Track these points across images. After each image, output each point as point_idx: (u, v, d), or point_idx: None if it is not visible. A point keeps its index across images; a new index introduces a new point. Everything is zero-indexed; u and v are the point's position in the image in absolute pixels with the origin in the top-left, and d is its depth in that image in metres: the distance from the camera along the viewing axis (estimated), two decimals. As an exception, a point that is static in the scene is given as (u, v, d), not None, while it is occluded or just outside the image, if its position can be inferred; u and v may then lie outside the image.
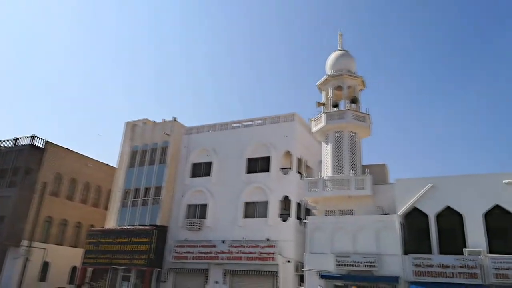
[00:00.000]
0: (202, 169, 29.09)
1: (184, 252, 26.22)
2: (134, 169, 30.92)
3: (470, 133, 63.69)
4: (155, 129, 31.44)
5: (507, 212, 18.13)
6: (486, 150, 61.55)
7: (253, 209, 26.15)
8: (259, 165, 27.06)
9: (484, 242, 17.86)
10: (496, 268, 16.62)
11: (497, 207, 18.27)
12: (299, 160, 26.89)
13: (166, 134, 30.27)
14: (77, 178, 34.29)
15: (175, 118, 31.00)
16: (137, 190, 30.21)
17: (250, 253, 24.12)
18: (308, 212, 26.17)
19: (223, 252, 24.90)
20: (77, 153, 34.75)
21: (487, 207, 18.38)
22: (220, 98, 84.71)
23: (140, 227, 28.07)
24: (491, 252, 17.59)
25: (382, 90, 70.43)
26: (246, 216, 26.08)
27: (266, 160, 26.83)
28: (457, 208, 18.93)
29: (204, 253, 25.51)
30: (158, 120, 31.99)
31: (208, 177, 28.37)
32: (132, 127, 32.67)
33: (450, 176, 19.91)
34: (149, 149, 31.02)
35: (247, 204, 26.38)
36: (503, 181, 18.28)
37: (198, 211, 27.83)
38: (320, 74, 25.47)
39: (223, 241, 25.25)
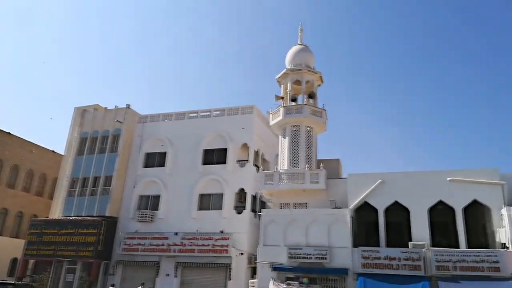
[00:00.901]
0: (156, 159, 28.29)
1: (135, 244, 25.44)
2: (83, 157, 29.49)
3: (420, 131, 67.12)
4: (106, 116, 30.10)
5: (450, 207, 19.24)
6: (434, 148, 65.21)
7: (208, 201, 25.87)
8: (215, 156, 26.76)
9: (428, 236, 18.84)
10: (437, 261, 17.56)
11: (440, 202, 19.32)
12: (256, 153, 26.91)
13: (119, 121, 29.10)
14: (20, 164, 32.20)
15: (128, 105, 29.87)
16: (85, 179, 28.87)
17: (204, 245, 23.86)
18: (263, 205, 26.32)
19: (175, 245, 24.43)
20: (20, 138, 32.58)
21: (431, 202, 19.38)
22: (177, 88, 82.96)
23: (88, 218, 26.88)
24: (433, 245, 18.59)
25: (338, 86, 72.27)
26: (201, 208, 25.76)
27: (223, 152, 26.58)
28: (404, 203, 19.80)
29: (156, 245, 24.89)
30: (111, 106, 30.66)
31: (162, 167, 27.64)
32: (81, 113, 31.04)
33: (399, 172, 20.79)
34: (100, 136, 29.68)
35: (202, 196, 26.04)
36: (447, 179, 19.35)
37: (151, 202, 27.09)
38: (282, 67, 25.58)
39: (176, 233, 24.78)
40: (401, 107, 71.28)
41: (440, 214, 19.91)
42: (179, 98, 79.94)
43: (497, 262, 16.88)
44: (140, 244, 25.31)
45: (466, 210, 19.02)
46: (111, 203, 27.22)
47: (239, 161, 26.12)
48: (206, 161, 26.79)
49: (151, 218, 26.19)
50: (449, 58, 69.64)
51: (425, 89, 68.63)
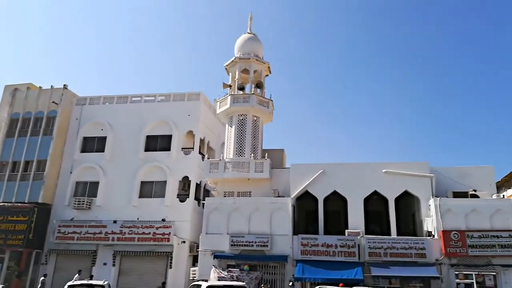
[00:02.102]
0: (94, 144, 26.94)
1: (70, 233, 24.20)
2: (13, 140, 27.34)
3: (360, 124, 70.27)
4: (41, 96, 28.03)
5: (383, 197, 20.47)
6: (372, 141, 68.70)
7: (150, 189, 25.21)
8: (159, 143, 26.06)
9: (363, 224, 19.92)
10: (370, 247, 18.65)
11: (375, 193, 20.49)
12: (202, 141, 26.62)
13: (54, 102, 27.26)
14: None
15: (65, 85, 28.04)
16: (15, 163, 26.83)
17: (144, 233, 23.29)
18: (207, 193, 26.19)
19: (114, 233, 23.59)
20: None
21: (367, 192, 20.47)
22: (120, 70, 79.37)
23: (18, 204, 25.10)
24: (367, 233, 19.71)
25: (285, 77, 73.38)
26: (142, 195, 25.04)
27: (167, 138, 25.94)
28: (343, 192, 20.73)
29: (93, 233, 23.86)
30: (46, 86, 28.57)
31: (101, 153, 26.38)
32: (12, 92, 28.62)
33: (338, 164, 21.67)
34: (33, 118, 27.61)
35: (143, 183, 25.29)
36: (382, 170, 20.53)
37: (88, 189, 25.83)
38: (231, 55, 25.40)
39: (115, 221, 23.93)
40: (343, 101, 74.14)
41: (375, 204, 21.14)
42: (122, 81, 76.64)
43: (423, 249, 18.28)
44: (75, 232, 24.13)
45: (398, 200, 20.34)
46: (44, 189, 25.59)
47: (184, 148, 25.68)
48: (149, 148, 25.99)
49: (89, 205, 25.03)
50: (388, 54, 73.34)
51: (366, 84, 71.83)
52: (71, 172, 26.30)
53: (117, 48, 79.48)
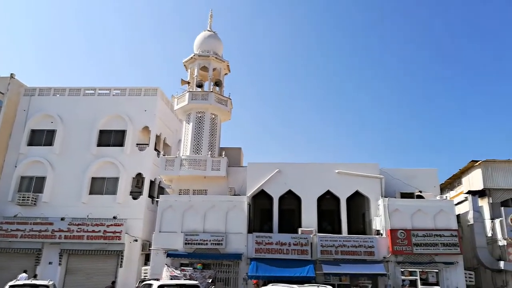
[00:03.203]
0: (43, 137, 25.58)
1: (13, 230, 22.78)
2: (-49, 130, 25.35)
3: (316, 124, 71.87)
4: (-16, 85, 26.21)
5: (336, 197, 21.06)
6: (328, 141, 70.49)
7: (101, 185, 24.34)
8: (112, 138, 25.21)
9: (315, 223, 20.38)
10: (322, 245, 19.12)
11: (328, 192, 21.03)
12: (158, 137, 26.06)
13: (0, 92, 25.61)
14: None
15: (12, 74, 26.42)
16: (-47, 156, 24.91)
17: (94, 231, 22.41)
18: (161, 190, 25.68)
19: (61, 231, 22.50)
20: None
21: (320, 192, 20.96)
22: (73, 62, 75.94)
23: (-46, 199, 23.31)
24: (320, 231, 20.19)
25: (246, 76, 73.56)
26: (93, 192, 24.12)
27: (121, 133, 25.17)
28: (297, 191, 21.10)
29: (38, 231, 22.62)
30: (-6, 75, 26.74)
31: (49, 146, 25.11)
32: (-49, 79, 26.55)
33: (294, 163, 22.02)
34: (-26, 107, 25.79)
35: (94, 179, 24.37)
36: (335, 171, 21.12)
37: (34, 184, 24.49)
38: (190, 51, 25.07)
39: (62, 219, 22.87)
40: (301, 102, 75.47)
41: (327, 203, 21.72)
42: (74, 73, 73.37)
43: (372, 247, 19.00)
44: (19, 230, 22.75)
45: (349, 200, 21.02)
46: (-16, 184, 23.94)
47: (138, 144, 25.02)
48: (101, 143, 25.07)
49: (34, 201, 23.73)
50: (347, 54, 75.60)
51: (323, 85, 73.63)
52: (15, 166, 24.82)
53: (71, 39, 76.03)
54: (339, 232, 20.42)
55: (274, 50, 77.11)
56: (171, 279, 17.85)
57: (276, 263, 18.77)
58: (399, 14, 73.22)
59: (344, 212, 20.71)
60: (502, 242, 19.75)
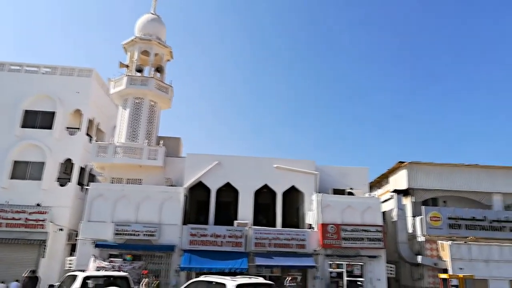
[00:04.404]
0: (-43, 115, 22.99)
1: None
2: None
3: (258, 118, 72.57)
4: None
5: (272, 191, 21.43)
6: (268, 136, 71.52)
7: (25, 170, 22.42)
8: (39, 120, 23.26)
9: (251, 216, 20.59)
10: (256, 238, 19.38)
11: (265, 186, 21.34)
12: (91, 122, 24.59)
13: None
14: None
15: None
16: None
17: (14, 219, 20.64)
18: (92, 178, 24.34)
19: (-25, 217, 20.46)
20: None
21: (258, 185, 21.21)
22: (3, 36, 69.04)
23: None
24: (255, 224, 20.44)
25: (190, 64, 72.08)
26: (14, 176, 22.16)
27: (50, 115, 23.35)
28: (235, 184, 21.15)
29: None
30: None
31: (-35, 125, 22.64)
32: None
33: (234, 156, 22.02)
34: None
35: (17, 163, 22.38)
36: (274, 165, 21.45)
37: None
38: (130, 33, 23.89)
39: (-23, 204, 20.80)
40: (244, 95, 75.76)
41: (264, 197, 22.06)
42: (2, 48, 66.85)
43: (304, 240, 19.63)
44: None
45: (285, 194, 21.51)
46: None
47: (69, 128, 23.41)
48: (26, 124, 23.04)
49: None
50: (288, 48, 77.08)
51: (268, 79, 74.47)
52: None
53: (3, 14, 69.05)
54: (274, 225, 20.82)
55: (221, 40, 76.41)
56: (98, 270, 17.02)
57: (210, 255, 18.71)
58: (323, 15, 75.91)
59: (279, 206, 21.13)
60: (421, 238, 21.41)
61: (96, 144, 21.43)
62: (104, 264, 17.76)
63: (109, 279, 12.77)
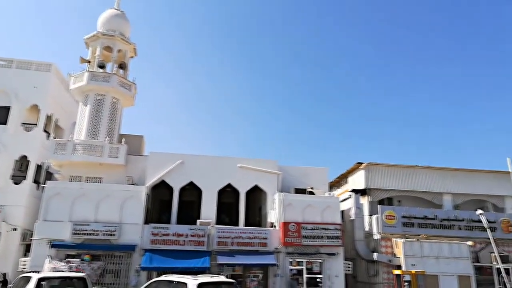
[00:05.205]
0: None
1: None
2: None
3: (222, 117, 72.44)
4: None
5: (236, 190, 21.62)
6: (231, 136, 71.59)
7: (-24, 166, 21.36)
8: (-7, 114, 22.25)
9: (214, 215, 20.68)
10: (219, 237, 19.48)
11: (229, 185, 21.49)
12: (49, 118, 23.73)
13: None
14: None
15: None
16: None
17: (-38, 219, 19.63)
18: (50, 176, 23.50)
19: None
20: None
21: (222, 185, 21.32)
22: None
23: None
24: (218, 223, 20.55)
25: (154, 62, 70.81)
26: (-37, 174, 21.06)
27: (5, 110, 22.37)
28: (199, 184, 21.15)
29: None
30: None
31: None
32: None
33: (197, 155, 22.00)
34: None
35: (-33, 159, 21.30)
36: (237, 165, 21.66)
37: None
38: (92, 28, 23.30)
39: None
40: (210, 94, 75.41)
41: (228, 196, 22.20)
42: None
43: (266, 238, 19.94)
44: None
45: (248, 193, 21.76)
46: None
47: (25, 124, 22.50)
48: (-22, 118, 21.98)
49: None
50: (265, 47, 77.53)
51: (234, 78, 74.53)
52: None
53: None
54: (237, 224, 21.01)
55: (185, 37, 75.60)
56: (54, 271, 16.49)
57: (172, 255, 18.60)
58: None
59: (242, 205, 21.36)
60: (376, 236, 22.35)
61: (54, 141, 20.75)
62: (60, 264, 17.22)
63: (65, 280, 12.46)
